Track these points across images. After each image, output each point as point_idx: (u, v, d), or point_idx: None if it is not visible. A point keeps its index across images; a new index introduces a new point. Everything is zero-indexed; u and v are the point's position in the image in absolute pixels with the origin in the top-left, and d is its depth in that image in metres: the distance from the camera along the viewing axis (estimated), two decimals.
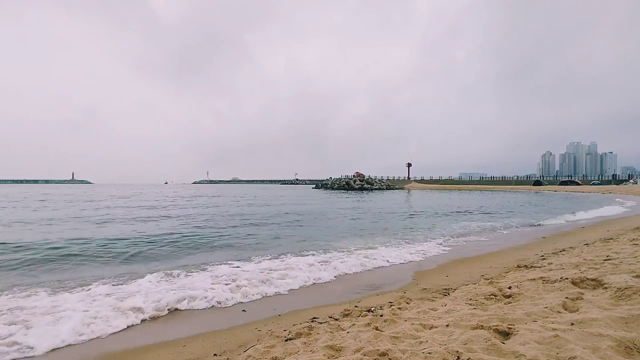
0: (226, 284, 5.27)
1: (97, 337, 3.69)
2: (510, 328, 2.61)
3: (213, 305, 4.63)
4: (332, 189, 68.93)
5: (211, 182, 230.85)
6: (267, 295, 5.10)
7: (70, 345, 3.52)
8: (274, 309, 4.52)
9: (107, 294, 4.77)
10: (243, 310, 4.47)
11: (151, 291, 4.93)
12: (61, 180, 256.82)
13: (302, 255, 7.54)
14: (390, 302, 4.28)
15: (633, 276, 3.58)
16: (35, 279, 5.78)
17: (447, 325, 2.92)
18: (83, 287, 5.17)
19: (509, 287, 4.12)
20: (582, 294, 3.36)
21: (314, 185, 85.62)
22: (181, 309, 4.50)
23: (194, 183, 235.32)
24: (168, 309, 4.43)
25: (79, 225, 12.84)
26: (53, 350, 3.42)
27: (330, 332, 3.23)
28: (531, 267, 5.58)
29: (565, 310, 3.02)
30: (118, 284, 5.34)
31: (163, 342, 3.63)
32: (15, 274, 6.07)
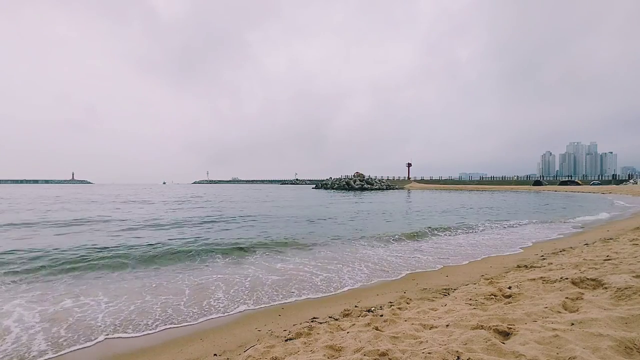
0: None
1: None
2: (510, 328, 2.61)
3: None
4: (332, 188, 68.91)
5: (211, 182, 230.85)
6: None
7: None
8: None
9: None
10: None
11: None
12: (61, 180, 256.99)
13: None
14: (390, 302, 4.28)
15: (633, 276, 3.57)
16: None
17: (447, 325, 2.92)
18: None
19: (509, 287, 4.12)
20: (582, 294, 3.35)
21: (314, 185, 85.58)
22: None
23: (193, 183, 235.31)
24: None
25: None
26: None
27: (330, 332, 3.23)
28: (531, 267, 5.58)
29: (565, 310, 3.02)
30: None
31: (162, 342, 3.64)
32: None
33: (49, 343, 3.52)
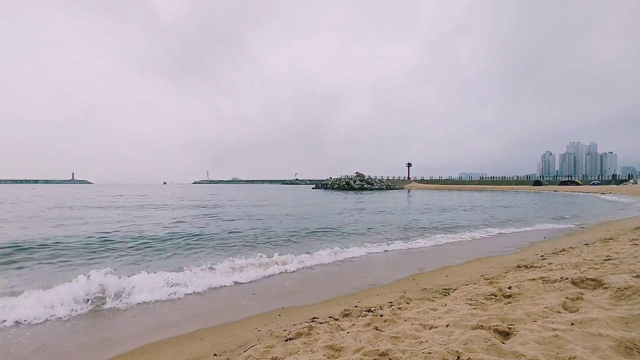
0: None
1: None
2: (510, 328, 2.61)
3: None
4: (332, 189, 68.86)
5: (211, 182, 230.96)
6: None
7: None
8: None
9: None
10: None
11: None
12: (61, 180, 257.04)
13: None
14: (390, 302, 4.27)
15: (633, 276, 3.57)
16: None
17: (447, 325, 2.91)
18: None
19: (509, 287, 4.11)
20: (582, 294, 3.35)
21: (314, 186, 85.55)
22: None
23: (193, 183, 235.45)
24: None
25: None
26: None
27: (330, 332, 3.23)
28: (531, 267, 5.58)
29: (565, 310, 3.01)
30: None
31: (162, 340, 3.63)
32: None
33: None
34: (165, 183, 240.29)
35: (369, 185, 70.48)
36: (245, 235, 10.48)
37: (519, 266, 5.86)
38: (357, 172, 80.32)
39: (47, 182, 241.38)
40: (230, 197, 36.13)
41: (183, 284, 5.45)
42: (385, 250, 8.62)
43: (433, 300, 4.27)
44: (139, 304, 4.74)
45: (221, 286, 5.55)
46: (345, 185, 69.59)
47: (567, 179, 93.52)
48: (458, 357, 2.17)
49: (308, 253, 7.84)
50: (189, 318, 4.31)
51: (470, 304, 3.63)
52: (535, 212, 19.28)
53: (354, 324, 3.39)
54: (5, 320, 4.04)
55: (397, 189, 75.20)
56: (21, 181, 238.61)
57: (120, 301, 4.77)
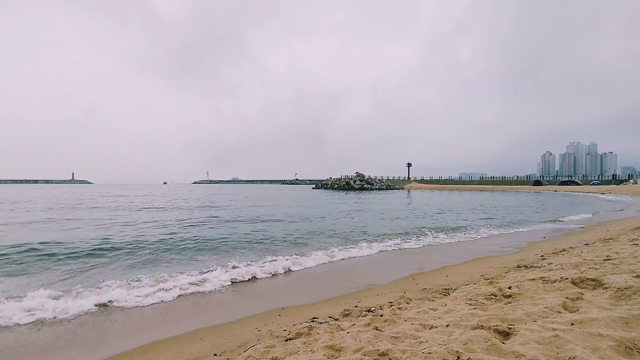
0: None
1: None
2: (510, 328, 2.61)
3: None
4: (332, 189, 68.86)
5: (211, 182, 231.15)
6: None
7: None
8: None
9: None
10: None
11: None
12: (61, 180, 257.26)
13: None
14: (390, 302, 4.27)
15: (633, 276, 3.57)
16: None
17: (447, 325, 2.91)
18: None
19: (509, 287, 4.11)
20: (582, 294, 3.35)
21: (313, 186, 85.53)
22: None
23: (193, 183, 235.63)
24: None
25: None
26: None
27: (330, 332, 3.23)
28: (531, 267, 5.58)
29: (565, 310, 3.01)
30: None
31: (162, 340, 3.63)
32: None
33: None
34: (165, 183, 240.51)
35: (369, 185, 70.48)
36: (245, 235, 10.47)
37: (519, 266, 5.86)
38: (357, 172, 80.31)
39: (47, 182, 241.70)
40: (230, 197, 36.11)
41: (182, 284, 5.45)
42: (385, 250, 8.63)
43: (433, 300, 4.27)
44: (139, 304, 4.74)
45: (221, 286, 5.55)
46: (345, 185, 69.59)
47: (567, 179, 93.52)
48: (458, 357, 2.17)
49: (308, 253, 7.87)
50: (189, 318, 4.32)
51: (470, 304, 3.63)
52: (535, 212, 19.26)
53: (354, 324, 3.39)
54: (7, 320, 4.06)
55: (397, 189, 75.19)
56: (21, 181, 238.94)
57: (120, 301, 4.76)
